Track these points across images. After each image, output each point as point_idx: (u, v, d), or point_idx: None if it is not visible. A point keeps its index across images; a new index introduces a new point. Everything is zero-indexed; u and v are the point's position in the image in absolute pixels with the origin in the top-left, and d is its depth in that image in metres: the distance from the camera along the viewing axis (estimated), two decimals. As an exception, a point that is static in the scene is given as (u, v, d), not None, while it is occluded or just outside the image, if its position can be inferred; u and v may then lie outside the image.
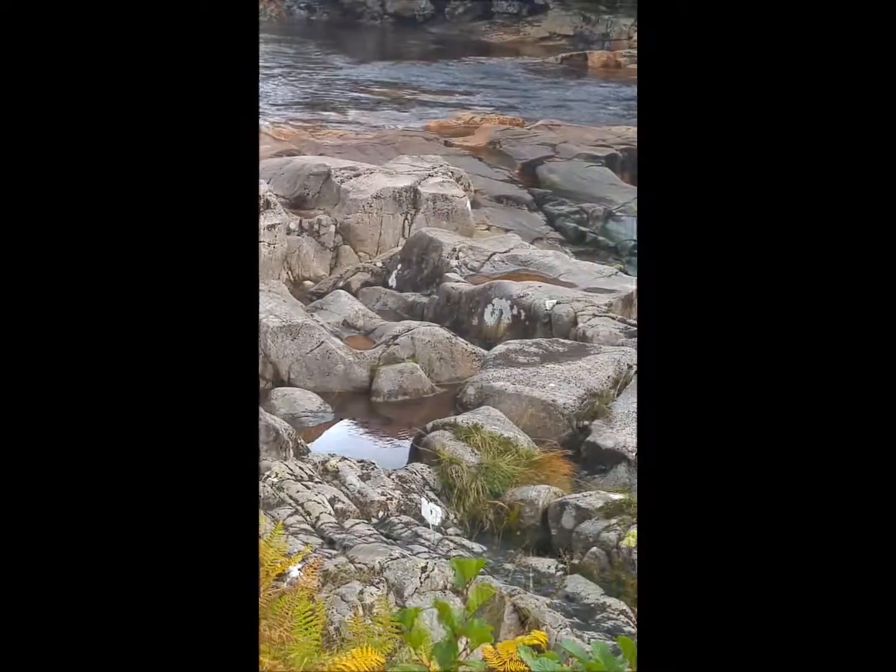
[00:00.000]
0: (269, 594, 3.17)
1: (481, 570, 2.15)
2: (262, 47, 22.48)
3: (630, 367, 7.11)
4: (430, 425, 6.53)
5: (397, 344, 7.95)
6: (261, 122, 15.54)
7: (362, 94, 19.30)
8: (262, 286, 8.21)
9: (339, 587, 4.55)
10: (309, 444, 6.53)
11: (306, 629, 3.13)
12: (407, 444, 6.80)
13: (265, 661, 2.81)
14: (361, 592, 4.53)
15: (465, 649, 2.11)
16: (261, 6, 28.15)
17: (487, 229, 11.60)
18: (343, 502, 5.52)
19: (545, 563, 5.46)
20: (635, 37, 22.08)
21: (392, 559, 4.86)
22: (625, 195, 12.70)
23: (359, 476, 5.80)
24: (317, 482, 5.62)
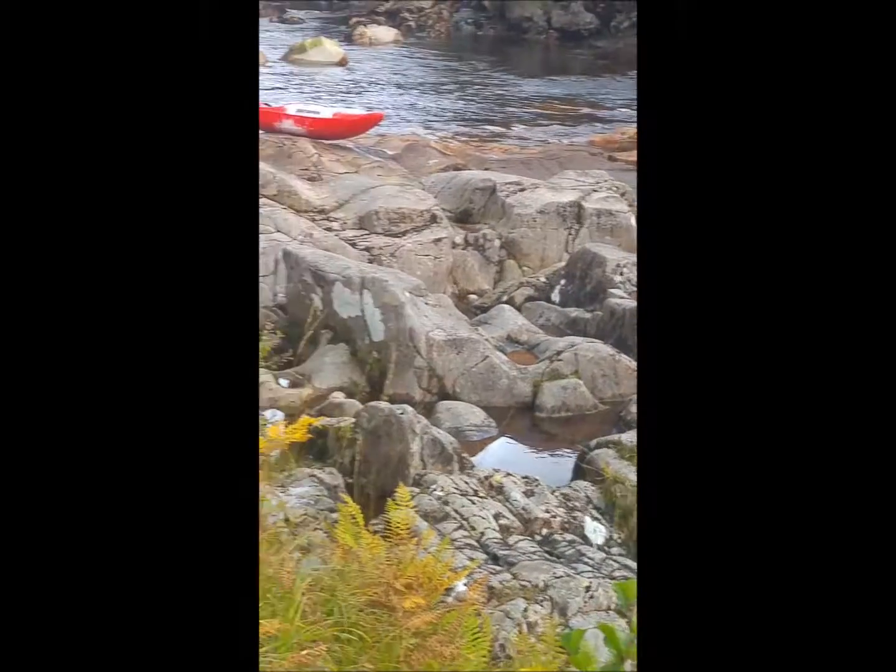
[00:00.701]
0: (438, 610, 3.19)
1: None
2: (433, 63, 22.77)
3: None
4: (593, 443, 6.49)
5: (560, 360, 7.93)
6: (429, 136, 15.71)
7: (527, 109, 19.34)
8: (428, 300, 8.31)
9: (503, 604, 4.55)
10: (472, 458, 6.56)
11: (475, 646, 3.14)
12: (569, 460, 6.77)
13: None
14: (526, 610, 4.52)
15: (633, 673, 2.10)
16: (429, 22, 28.52)
17: (652, 245, 11.47)
18: (507, 518, 5.52)
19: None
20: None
21: (556, 577, 4.84)
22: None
23: (523, 492, 5.80)
24: (481, 497, 5.63)
